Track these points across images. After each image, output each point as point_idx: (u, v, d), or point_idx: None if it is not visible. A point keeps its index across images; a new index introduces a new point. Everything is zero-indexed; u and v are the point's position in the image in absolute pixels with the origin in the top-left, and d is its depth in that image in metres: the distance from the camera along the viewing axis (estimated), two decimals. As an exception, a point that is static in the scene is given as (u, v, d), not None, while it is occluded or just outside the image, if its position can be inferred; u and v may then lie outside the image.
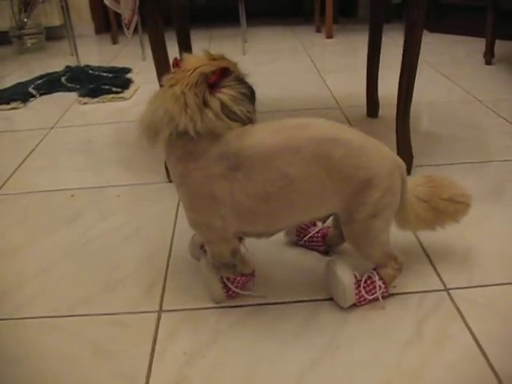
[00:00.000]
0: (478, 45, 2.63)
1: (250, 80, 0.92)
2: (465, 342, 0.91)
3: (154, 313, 1.01)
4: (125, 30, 1.36)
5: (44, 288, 1.09)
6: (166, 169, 1.45)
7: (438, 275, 1.08)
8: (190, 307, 1.01)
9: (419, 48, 1.35)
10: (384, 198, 0.91)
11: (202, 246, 1.05)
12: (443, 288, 1.04)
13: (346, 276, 0.96)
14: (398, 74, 1.40)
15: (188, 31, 1.84)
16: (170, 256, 1.18)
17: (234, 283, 1.00)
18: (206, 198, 0.87)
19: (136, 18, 1.32)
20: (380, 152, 0.92)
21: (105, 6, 3.36)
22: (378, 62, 1.82)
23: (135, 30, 1.31)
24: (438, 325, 0.95)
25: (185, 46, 1.83)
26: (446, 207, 1.01)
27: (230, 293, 1.00)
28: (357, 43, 3.01)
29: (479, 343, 0.90)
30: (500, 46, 2.59)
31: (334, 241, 1.12)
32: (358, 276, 0.99)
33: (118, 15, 3.19)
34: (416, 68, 1.37)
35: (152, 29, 1.33)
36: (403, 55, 1.36)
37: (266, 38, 3.25)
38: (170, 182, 1.47)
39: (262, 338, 0.93)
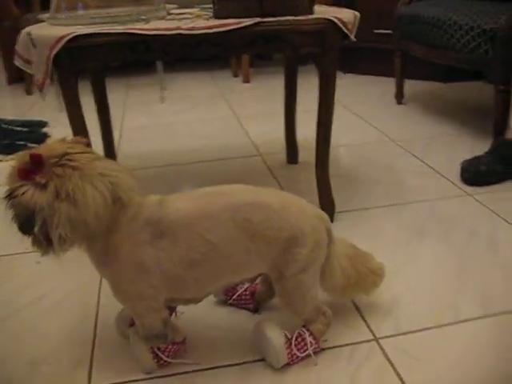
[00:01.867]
0: (390, 84, 2.77)
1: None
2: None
3: (82, 392, 0.95)
4: (38, 92, 1.32)
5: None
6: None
7: (367, 325, 1.10)
8: (120, 381, 0.97)
9: (333, 101, 1.40)
10: (312, 253, 0.93)
11: (131, 324, 1.02)
12: (373, 338, 1.06)
13: (275, 336, 0.96)
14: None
15: (104, 84, 1.82)
16: (96, 326, 1.13)
17: (165, 352, 0.97)
18: (137, 266, 0.86)
19: (48, 82, 1.29)
20: (301, 209, 0.94)
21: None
22: (295, 106, 1.87)
23: (50, 80, 1.28)
24: (371, 379, 0.96)
25: (101, 98, 1.82)
26: (367, 276, 1.04)
27: (162, 362, 0.97)
28: (274, 87, 3.09)
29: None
30: (410, 85, 2.74)
31: (263, 297, 1.12)
32: (287, 335, 0.98)
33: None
34: (331, 120, 1.42)
35: (66, 93, 1.31)
36: (319, 107, 1.41)
37: (184, 85, 3.27)
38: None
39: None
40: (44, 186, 0.79)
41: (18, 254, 1.43)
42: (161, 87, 2.92)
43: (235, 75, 3.39)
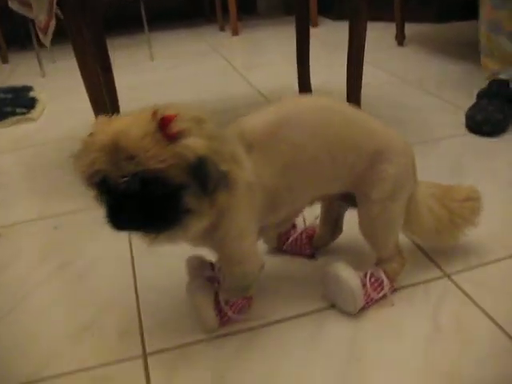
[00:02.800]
0: (387, 29, 2.67)
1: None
2: (485, 326, 0.86)
3: (139, 358, 0.85)
4: (40, 36, 1.18)
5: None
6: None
7: (435, 263, 1.01)
8: (178, 343, 0.87)
9: (365, 33, 1.30)
10: (400, 176, 0.85)
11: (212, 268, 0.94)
12: (443, 274, 0.98)
13: (351, 277, 0.87)
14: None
15: (104, 40, 1.67)
16: (136, 289, 1.02)
17: (232, 307, 0.87)
18: (248, 189, 0.78)
19: (53, 23, 1.15)
20: (386, 128, 0.88)
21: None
22: (308, 50, 1.76)
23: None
24: (452, 313, 0.89)
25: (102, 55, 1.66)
26: (461, 208, 0.95)
27: (225, 319, 0.88)
28: (265, 39, 2.96)
29: (499, 324, 0.85)
30: (408, 28, 2.64)
31: (323, 240, 1.03)
32: (361, 275, 0.90)
33: (5, 31, 2.91)
34: (363, 53, 1.32)
35: (75, 38, 1.17)
36: (349, 42, 1.31)
37: (171, 43, 3.10)
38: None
39: (275, 362, 0.82)
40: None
41: (32, 220, 1.31)
42: (149, 45, 2.76)
43: (222, 29, 3.24)
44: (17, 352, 0.89)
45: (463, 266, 1.00)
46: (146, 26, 2.74)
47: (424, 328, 0.86)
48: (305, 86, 1.82)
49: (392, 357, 0.81)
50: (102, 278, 1.07)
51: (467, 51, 2.38)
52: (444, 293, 0.94)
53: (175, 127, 0.68)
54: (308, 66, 1.79)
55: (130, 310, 0.96)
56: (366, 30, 1.30)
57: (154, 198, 0.68)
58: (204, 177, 0.68)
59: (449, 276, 0.98)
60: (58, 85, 2.47)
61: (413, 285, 0.96)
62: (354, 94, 1.36)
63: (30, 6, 1.20)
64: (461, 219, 0.95)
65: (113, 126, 0.70)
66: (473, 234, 1.06)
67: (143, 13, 2.66)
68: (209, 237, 0.79)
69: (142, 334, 0.90)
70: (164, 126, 0.67)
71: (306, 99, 0.90)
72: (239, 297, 0.88)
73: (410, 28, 2.75)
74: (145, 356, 0.86)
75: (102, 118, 0.74)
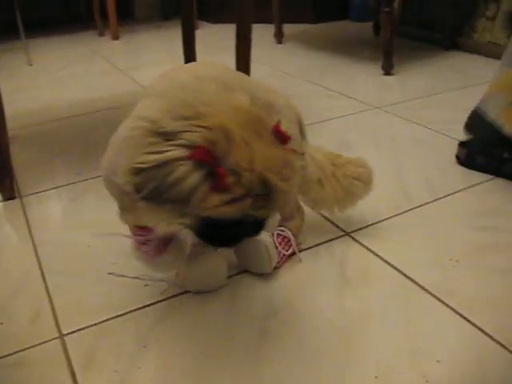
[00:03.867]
0: (266, 29, 2.78)
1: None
2: (386, 271, 0.94)
3: (56, 340, 0.83)
4: None
5: None
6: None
7: (334, 224, 1.09)
8: (95, 321, 0.86)
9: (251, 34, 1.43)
10: (290, 131, 0.88)
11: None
12: (344, 234, 1.06)
13: (264, 238, 0.91)
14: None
15: None
16: (43, 273, 0.98)
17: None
18: None
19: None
20: (269, 86, 0.91)
21: None
22: (195, 50, 1.83)
23: None
24: (357, 266, 0.96)
25: None
26: (356, 177, 1.01)
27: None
28: (146, 42, 2.95)
29: (402, 272, 0.93)
30: (285, 28, 2.77)
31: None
32: (270, 235, 0.94)
33: None
34: (250, 50, 1.42)
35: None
36: (237, 42, 1.50)
37: (50, 48, 2.97)
38: (9, 199, 1.25)
39: (196, 329, 0.83)
40: None
41: None
42: (26, 50, 2.63)
43: (101, 34, 3.17)
44: None
45: (360, 225, 1.08)
46: (21, 32, 2.61)
47: (333, 282, 0.92)
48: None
49: (308, 310, 0.86)
50: (4, 265, 1.02)
51: (342, 47, 2.55)
52: (346, 248, 1.01)
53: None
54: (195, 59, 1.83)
55: (38, 294, 0.93)
56: (251, 31, 1.37)
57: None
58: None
59: (349, 234, 1.05)
60: None
61: (317, 244, 1.02)
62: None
63: None
64: (355, 188, 1.01)
65: (256, 156, 0.60)
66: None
67: (19, 19, 2.54)
68: None
69: (55, 316, 0.87)
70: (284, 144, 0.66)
71: (198, 65, 0.91)
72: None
73: (288, 27, 2.89)
74: (62, 337, 0.83)
75: (223, 138, 0.60)
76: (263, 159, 0.60)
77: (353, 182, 1.00)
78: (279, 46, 2.67)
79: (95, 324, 0.85)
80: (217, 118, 0.60)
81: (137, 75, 2.26)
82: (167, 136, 0.60)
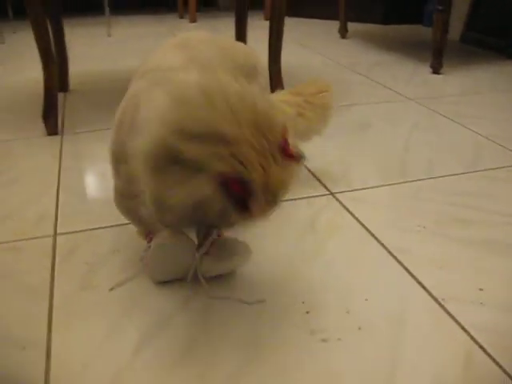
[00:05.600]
0: (335, 25, 2.86)
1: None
2: (354, 229, 1.00)
3: (49, 237, 0.97)
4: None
5: None
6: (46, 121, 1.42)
7: (321, 183, 1.17)
8: (86, 228, 1.00)
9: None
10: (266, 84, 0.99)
11: None
12: (328, 193, 1.13)
13: None
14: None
15: (61, 18, 1.79)
16: (58, 191, 1.14)
17: None
18: None
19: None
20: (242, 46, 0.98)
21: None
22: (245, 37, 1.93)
23: None
24: (328, 219, 1.03)
25: (58, 32, 1.79)
26: (315, 98, 1.08)
27: None
28: (219, 25, 3.11)
29: (368, 229, 1.00)
30: (352, 26, 2.84)
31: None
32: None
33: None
34: (283, 14, 1.48)
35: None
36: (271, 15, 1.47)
37: (130, 25, 3.23)
38: (51, 134, 1.44)
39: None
40: None
41: (-30, 144, 1.41)
42: (108, 24, 2.87)
43: (181, 17, 3.38)
44: None
45: (347, 188, 1.15)
46: (106, 8, 2.86)
47: (301, 229, 1.00)
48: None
49: (273, 252, 0.94)
50: (29, 179, 1.18)
51: (402, 47, 2.58)
52: (325, 205, 1.08)
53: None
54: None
55: (49, 204, 1.08)
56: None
57: None
58: None
59: (333, 194, 1.13)
60: (14, 51, 2.56)
61: (299, 198, 1.10)
62: (273, 50, 1.51)
63: None
64: (317, 109, 1.08)
65: (272, 174, 0.59)
66: (358, 164, 1.23)
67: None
68: None
69: (56, 219, 1.02)
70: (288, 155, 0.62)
71: (194, 35, 0.91)
72: None
73: (355, 26, 2.95)
74: (55, 235, 0.97)
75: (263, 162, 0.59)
76: (275, 183, 0.59)
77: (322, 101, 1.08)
78: (342, 40, 2.74)
79: (86, 230, 0.99)
80: (238, 141, 0.57)
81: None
82: (191, 163, 0.56)
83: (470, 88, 1.89)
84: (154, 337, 0.73)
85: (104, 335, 0.73)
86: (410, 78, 2.03)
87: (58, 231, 0.99)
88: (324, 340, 0.72)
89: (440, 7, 1.98)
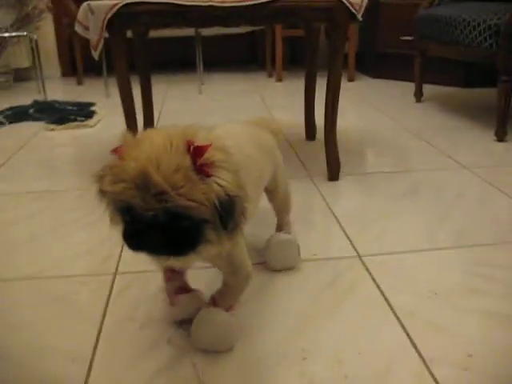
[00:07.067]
0: (410, 87, 2.99)
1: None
2: (369, 289, 1.12)
3: (110, 275, 1.18)
4: (92, 52, 1.59)
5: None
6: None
7: (352, 245, 1.29)
8: (141, 270, 1.19)
9: (340, 70, 1.62)
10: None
11: None
12: (356, 255, 1.25)
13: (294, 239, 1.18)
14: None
15: (149, 75, 2.09)
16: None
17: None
18: None
19: (102, 42, 1.55)
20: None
21: (71, 50, 3.61)
22: (314, 95, 2.11)
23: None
24: (349, 278, 1.16)
25: (146, 89, 2.09)
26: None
27: None
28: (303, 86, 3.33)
29: (381, 290, 1.11)
30: (430, 89, 2.95)
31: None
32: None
33: (84, 58, 3.43)
34: (339, 85, 1.64)
35: (116, 49, 1.56)
36: (328, 74, 1.63)
37: (221, 82, 3.55)
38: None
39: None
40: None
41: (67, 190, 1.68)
42: (200, 81, 3.20)
43: (270, 75, 3.65)
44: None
45: (375, 251, 1.27)
46: (199, 65, 3.19)
47: (321, 284, 1.13)
48: (309, 118, 2.16)
49: (293, 300, 1.09)
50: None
51: (474, 111, 2.64)
52: (350, 266, 1.21)
53: (209, 160, 0.69)
54: (312, 102, 2.13)
55: (116, 247, 1.30)
56: (340, 64, 1.62)
57: (176, 228, 0.69)
58: (229, 215, 0.70)
59: (360, 257, 1.25)
60: (117, 103, 2.92)
61: (327, 258, 1.24)
62: (329, 120, 1.67)
63: (88, 29, 1.62)
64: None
65: (144, 150, 0.68)
66: (392, 227, 1.34)
67: (198, 56, 3.13)
68: (217, 255, 0.81)
69: (118, 260, 1.23)
70: (197, 159, 0.68)
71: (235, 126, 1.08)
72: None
73: (433, 88, 3.04)
74: (115, 274, 1.18)
75: (131, 138, 0.72)
76: (152, 158, 0.67)
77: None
78: (416, 104, 2.84)
79: (140, 272, 1.19)
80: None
81: (275, 112, 2.63)
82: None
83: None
84: (168, 369, 0.90)
85: (136, 357, 0.91)
86: (471, 145, 2.09)
87: (119, 270, 1.19)
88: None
89: (504, 77, 2.05)
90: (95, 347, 0.94)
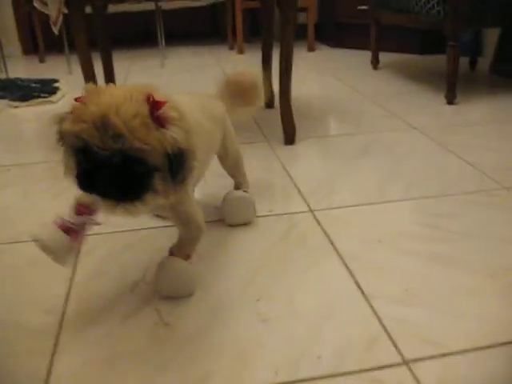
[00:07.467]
0: (368, 56, 3.08)
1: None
2: (319, 239, 1.22)
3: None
4: (52, 27, 1.63)
5: None
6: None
7: (306, 202, 1.39)
8: (108, 231, 1.27)
9: (291, 39, 1.70)
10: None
11: None
12: (308, 210, 1.35)
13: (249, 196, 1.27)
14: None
15: (110, 51, 2.14)
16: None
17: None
18: None
19: (61, 18, 1.59)
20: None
21: (32, 27, 3.59)
22: (270, 65, 2.21)
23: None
24: (301, 231, 1.25)
25: (108, 65, 2.13)
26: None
27: None
28: (265, 57, 3.40)
29: (330, 239, 1.21)
30: (387, 56, 3.04)
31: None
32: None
33: (45, 35, 3.42)
34: (291, 56, 1.72)
35: (75, 25, 1.61)
36: (281, 42, 1.71)
37: (183, 56, 3.58)
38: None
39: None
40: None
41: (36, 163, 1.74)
42: (162, 56, 3.23)
43: (231, 48, 3.69)
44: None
45: (326, 206, 1.36)
46: (160, 41, 3.22)
47: (276, 236, 1.23)
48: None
49: (257, 252, 1.18)
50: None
51: (428, 77, 2.75)
52: (302, 221, 1.30)
53: (165, 114, 0.74)
54: (270, 75, 2.19)
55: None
56: (292, 32, 1.70)
57: (129, 172, 0.74)
58: (179, 167, 0.76)
59: (312, 211, 1.34)
60: (80, 80, 2.95)
61: (281, 214, 1.33)
62: (284, 85, 1.75)
63: (47, 4, 1.65)
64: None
65: (105, 98, 0.73)
66: (344, 185, 1.43)
67: (159, 30, 3.16)
68: (164, 207, 0.88)
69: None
70: (155, 110, 0.73)
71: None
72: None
73: (390, 56, 3.14)
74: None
75: (93, 87, 0.77)
76: (113, 104, 0.72)
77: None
78: (373, 71, 2.94)
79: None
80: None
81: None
82: None
83: (480, 119, 2.05)
84: (134, 316, 0.98)
85: (104, 308, 0.99)
86: (422, 108, 2.21)
87: (86, 233, 1.27)
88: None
89: (452, 43, 2.15)
90: (66, 300, 1.02)
